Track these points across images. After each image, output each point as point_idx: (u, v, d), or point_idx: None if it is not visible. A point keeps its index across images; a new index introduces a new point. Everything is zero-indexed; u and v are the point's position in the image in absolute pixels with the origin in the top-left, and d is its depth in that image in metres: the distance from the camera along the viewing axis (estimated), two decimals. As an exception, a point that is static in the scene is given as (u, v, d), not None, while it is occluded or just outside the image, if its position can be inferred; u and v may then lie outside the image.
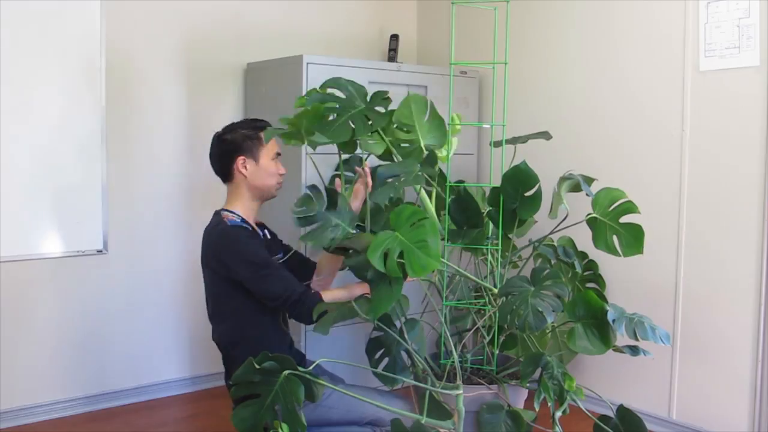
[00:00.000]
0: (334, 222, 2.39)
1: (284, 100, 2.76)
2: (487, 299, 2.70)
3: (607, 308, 2.35)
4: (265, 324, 2.53)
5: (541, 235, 2.84)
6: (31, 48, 3.13)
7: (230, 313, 2.52)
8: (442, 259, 2.51)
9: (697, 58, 3.08)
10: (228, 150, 2.56)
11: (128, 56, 3.46)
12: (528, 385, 2.50)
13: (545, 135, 3.03)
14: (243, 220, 2.54)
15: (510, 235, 2.69)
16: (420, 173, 2.37)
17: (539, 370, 2.42)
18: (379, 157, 2.56)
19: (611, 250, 2.51)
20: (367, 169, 2.57)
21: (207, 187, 3.62)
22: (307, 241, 2.72)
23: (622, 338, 2.38)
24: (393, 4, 4.31)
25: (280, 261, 2.64)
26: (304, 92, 3.16)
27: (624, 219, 2.50)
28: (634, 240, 2.48)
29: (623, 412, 2.49)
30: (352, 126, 2.42)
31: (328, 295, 2.46)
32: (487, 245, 2.68)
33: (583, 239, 2.77)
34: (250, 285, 2.44)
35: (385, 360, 2.64)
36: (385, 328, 2.50)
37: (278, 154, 2.62)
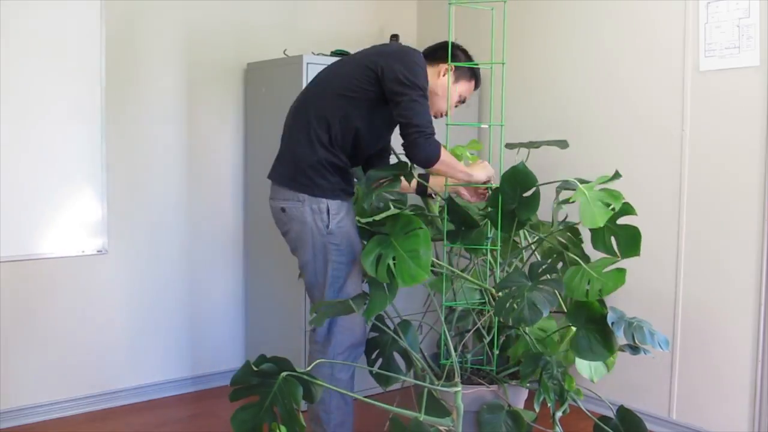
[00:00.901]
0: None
1: (284, 100, 2.75)
2: (486, 299, 2.70)
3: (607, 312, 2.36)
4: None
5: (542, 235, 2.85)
6: (31, 48, 3.14)
7: (337, 122, 2.47)
8: (441, 261, 2.53)
9: (697, 58, 3.08)
10: None
11: (128, 56, 3.45)
12: (528, 385, 2.50)
13: (562, 144, 3.03)
14: None
15: (515, 238, 2.71)
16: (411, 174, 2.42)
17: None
18: None
19: (609, 251, 2.52)
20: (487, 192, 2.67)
21: (208, 187, 3.64)
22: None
23: (621, 339, 2.38)
24: (393, 4, 4.30)
25: None
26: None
27: (622, 221, 2.51)
28: (631, 241, 2.48)
29: (623, 412, 2.49)
30: None
31: (449, 158, 2.48)
32: (486, 245, 2.68)
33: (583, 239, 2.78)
34: (400, 98, 2.40)
35: (380, 361, 2.66)
36: (381, 326, 2.52)
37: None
